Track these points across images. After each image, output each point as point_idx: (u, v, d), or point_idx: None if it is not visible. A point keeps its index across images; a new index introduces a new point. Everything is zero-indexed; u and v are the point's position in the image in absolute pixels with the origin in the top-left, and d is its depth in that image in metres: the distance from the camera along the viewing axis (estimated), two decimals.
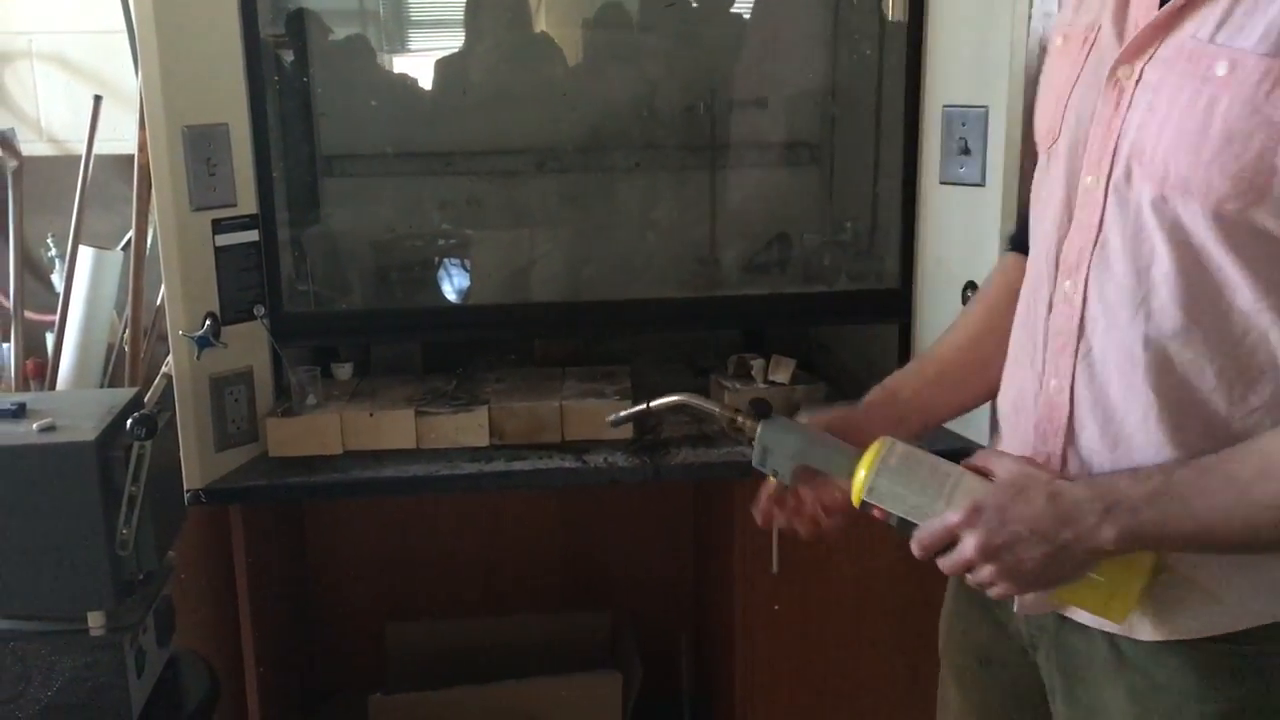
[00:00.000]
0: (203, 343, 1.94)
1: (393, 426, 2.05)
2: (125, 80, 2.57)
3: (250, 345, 2.05)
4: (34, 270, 2.57)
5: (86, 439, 1.54)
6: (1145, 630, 1.14)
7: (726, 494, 2.19)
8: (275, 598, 2.30)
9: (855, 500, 1.21)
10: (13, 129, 2.52)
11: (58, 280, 2.51)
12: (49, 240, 2.52)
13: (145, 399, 1.78)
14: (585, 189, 2.61)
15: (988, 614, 1.32)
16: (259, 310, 2.04)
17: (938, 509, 1.15)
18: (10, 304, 2.45)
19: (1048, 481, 1.11)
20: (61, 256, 2.50)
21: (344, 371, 2.22)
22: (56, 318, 2.35)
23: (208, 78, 1.93)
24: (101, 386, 2.38)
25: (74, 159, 2.62)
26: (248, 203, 2.01)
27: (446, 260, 2.45)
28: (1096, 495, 1.07)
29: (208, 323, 1.94)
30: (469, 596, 2.75)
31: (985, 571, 1.10)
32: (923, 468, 1.18)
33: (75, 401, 1.70)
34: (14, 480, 1.54)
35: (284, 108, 2.21)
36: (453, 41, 2.61)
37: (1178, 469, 1.06)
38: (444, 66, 2.59)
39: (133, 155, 2.49)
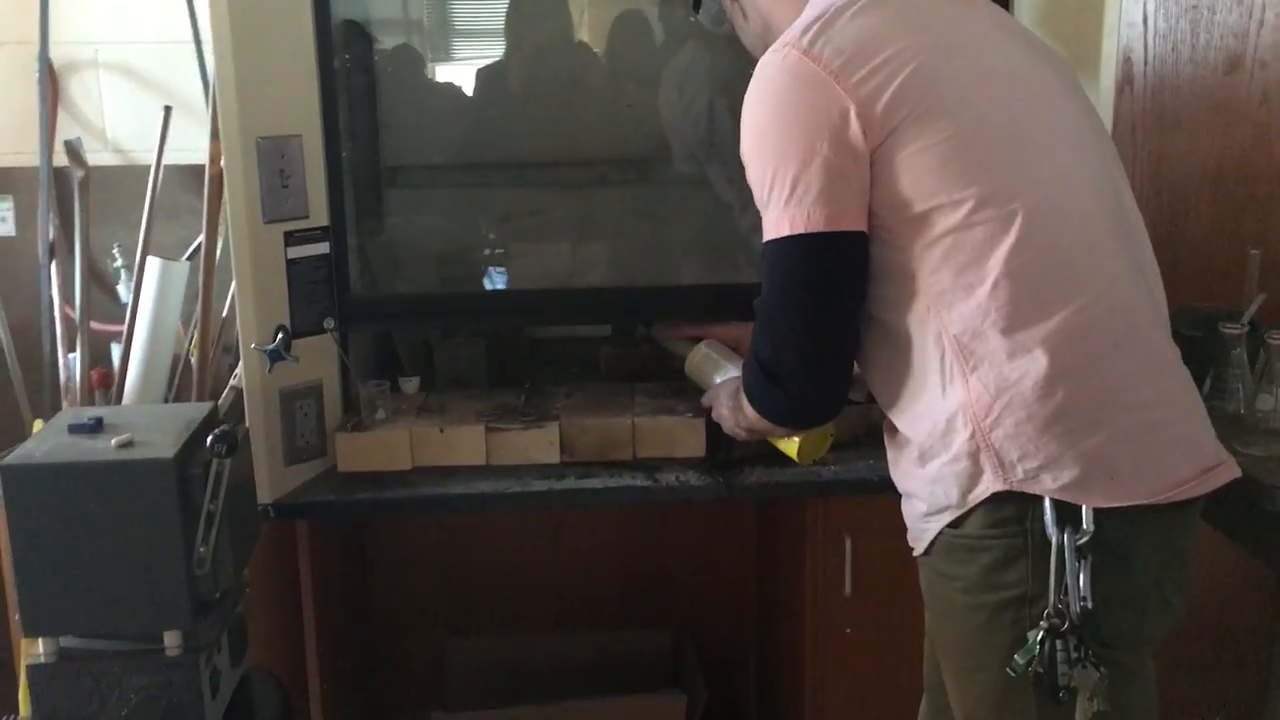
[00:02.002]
0: (275, 356, 1.91)
1: (463, 442, 2.02)
2: (190, 90, 2.57)
3: (319, 358, 2.03)
4: (98, 280, 2.57)
5: (165, 455, 1.52)
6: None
7: (798, 514, 2.15)
8: (338, 613, 2.27)
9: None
10: (79, 138, 2.51)
11: (123, 290, 2.51)
12: (115, 250, 2.51)
13: (221, 414, 1.75)
14: (650, 199, 2.57)
15: None
16: (329, 323, 2.01)
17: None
18: (76, 314, 2.44)
19: (735, 390, 1.73)
20: (128, 267, 2.49)
21: (411, 385, 2.19)
22: (124, 328, 2.33)
23: (281, 89, 1.92)
24: (167, 398, 2.37)
25: (139, 169, 2.61)
26: (319, 215, 1.99)
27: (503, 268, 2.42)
28: (736, 399, 1.71)
29: (280, 336, 1.92)
30: (529, 612, 2.72)
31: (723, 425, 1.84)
32: (708, 363, 2.03)
33: (152, 417, 1.68)
34: (92, 497, 1.52)
35: (350, 118, 2.18)
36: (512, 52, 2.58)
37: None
38: (503, 77, 2.56)
39: (198, 165, 2.49)
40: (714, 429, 2.00)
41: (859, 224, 1.46)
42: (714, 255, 2.40)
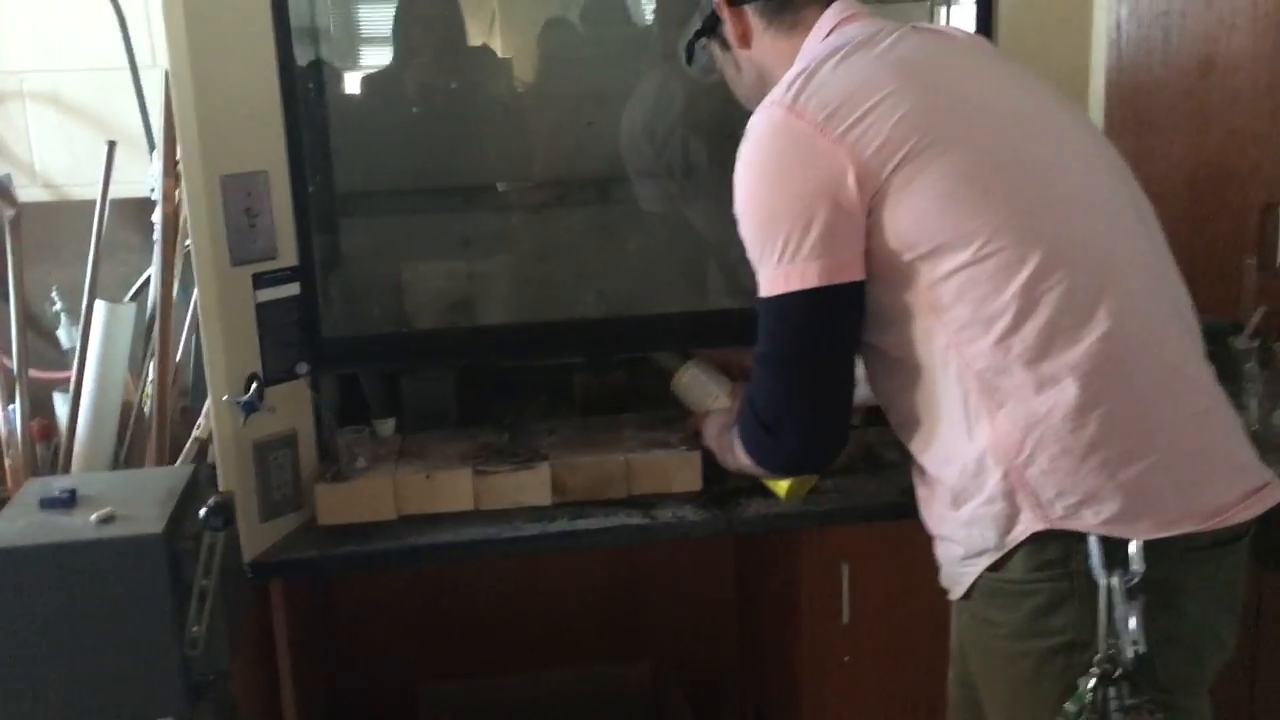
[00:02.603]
0: (249, 408, 1.80)
1: (450, 488, 1.93)
2: (125, 120, 2.43)
3: (292, 406, 1.91)
4: (34, 325, 2.41)
5: (153, 531, 1.40)
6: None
7: (792, 544, 2.09)
8: (311, 667, 2.16)
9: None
10: (9, 175, 2.36)
11: (64, 335, 2.36)
12: (53, 294, 2.36)
13: (199, 476, 1.63)
14: (611, 220, 2.49)
15: None
16: (302, 368, 1.90)
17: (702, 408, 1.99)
18: (13, 363, 2.28)
19: (726, 426, 1.77)
20: (68, 310, 2.34)
21: (386, 428, 2.08)
22: (67, 375, 2.19)
23: (244, 123, 1.80)
24: (118, 451, 2.23)
25: (72, 205, 2.48)
26: (288, 254, 1.88)
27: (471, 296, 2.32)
28: (726, 437, 1.75)
29: (254, 386, 1.80)
30: (503, 651, 2.62)
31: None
32: (696, 384, 2.02)
33: (128, 485, 1.56)
34: (74, 579, 1.40)
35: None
36: (469, 74, 2.48)
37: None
38: (457, 97, 2.46)
39: (136, 199, 2.36)
40: (709, 459, 1.95)
41: (856, 274, 1.44)
42: (696, 281, 2.32)
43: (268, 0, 1.80)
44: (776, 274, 1.44)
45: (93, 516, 1.43)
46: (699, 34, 1.73)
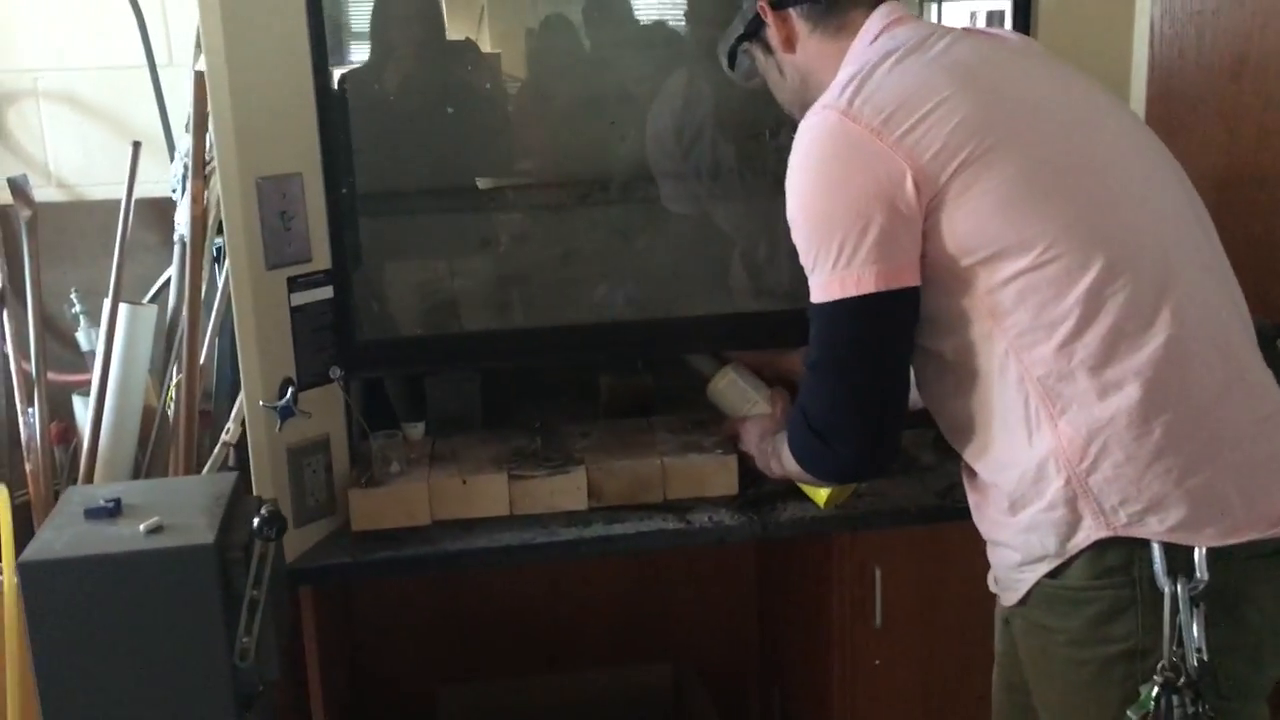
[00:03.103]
0: (285, 413, 1.77)
1: (485, 493, 1.90)
2: (141, 119, 2.40)
3: (326, 411, 1.89)
4: (50, 327, 2.38)
5: (205, 541, 1.38)
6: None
7: (823, 546, 2.08)
8: (335, 670, 2.13)
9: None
10: (24, 175, 2.32)
11: (83, 338, 2.32)
12: (73, 296, 2.32)
13: (241, 483, 1.61)
14: (637, 221, 2.46)
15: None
16: (335, 372, 1.88)
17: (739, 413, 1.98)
18: (32, 366, 2.25)
19: (767, 430, 1.86)
20: (87, 312, 2.31)
21: (416, 431, 2.06)
22: (87, 378, 2.16)
23: (280, 124, 1.77)
24: (139, 457, 2.19)
25: (87, 205, 2.44)
26: (321, 257, 1.85)
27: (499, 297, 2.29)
28: (768, 443, 1.82)
29: (290, 390, 1.78)
30: (523, 653, 2.60)
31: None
32: (734, 390, 2.00)
33: (173, 493, 1.53)
34: (123, 591, 1.38)
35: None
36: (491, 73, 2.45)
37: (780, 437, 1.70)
38: (483, 95, 2.43)
39: (154, 199, 2.33)
40: (745, 464, 1.94)
41: (912, 279, 1.42)
42: (724, 282, 2.30)
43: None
44: (831, 279, 1.42)
45: (141, 526, 1.40)
46: (741, 38, 1.71)
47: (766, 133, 2.36)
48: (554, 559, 1.91)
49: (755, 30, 1.67)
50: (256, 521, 1.37)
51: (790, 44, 1.63)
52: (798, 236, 1.47)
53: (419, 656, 2.56)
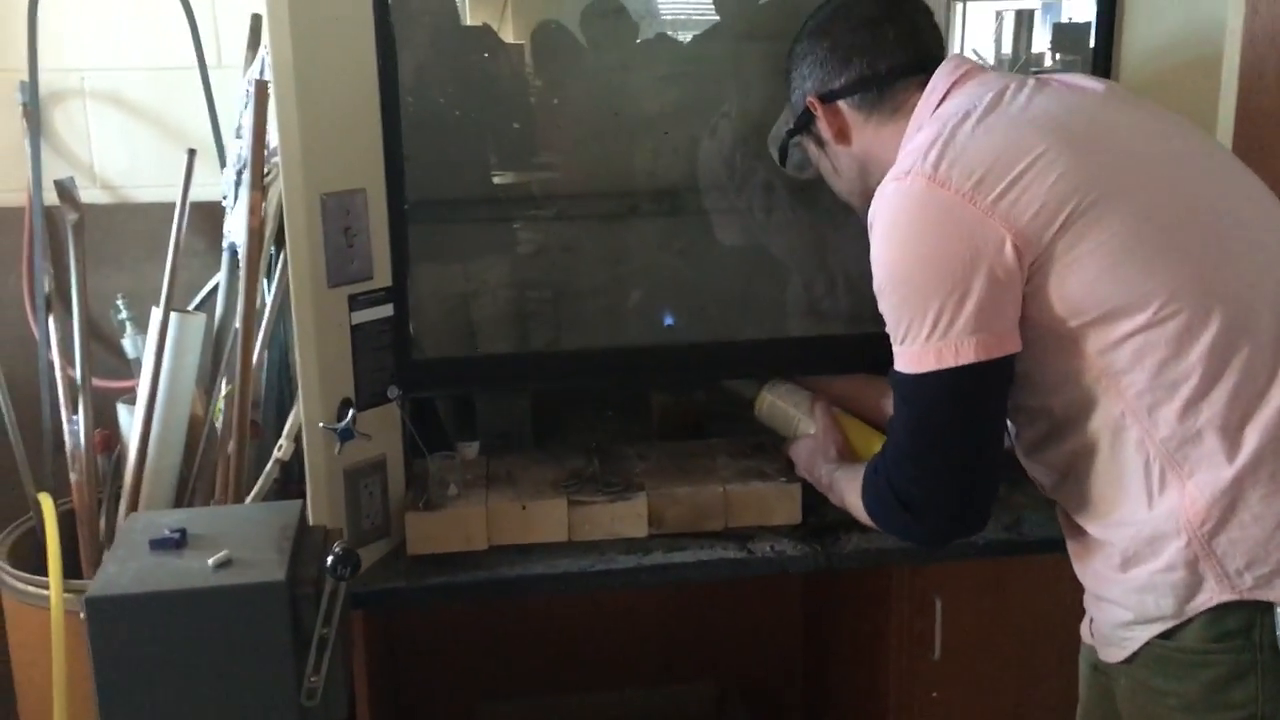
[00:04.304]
0: (345, 435, 1.73)
1: (544, 518, 1.86)
2: (189, 122, 2.35)
3: (382, 431, 1.85)
4: (96, 333, 2.34)
5: (277, 579, 1.34)
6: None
7: (882, 575, 2.03)
8: (380, 692, 2.09)
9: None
10: (71, 178, 2.27)
11: (129, 345, 2.28)
12: (119, 301, 2.28)
13: (306, 513, 1.56)
14: (688, 232, 2.41)
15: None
16: (393, 392, 1.83)
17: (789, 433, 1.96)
18: (76, 372, 2.21)
19: (815, 452, 1.84)
20: (133, 319, 2.26)
21: (471, 450, 2.02)
22: (142, 388, 2.11)
23: (345, 138, 1.73)
24: (184, 470, 2.15)
25: (132, 208, 2.40)
26: (383, 274, 1.81)
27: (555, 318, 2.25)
28: (822, 471, 1.80)
29: (351, 412, 1.73)
30: (563, 671, 2.56)
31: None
32: (776, 411, 1.99)
33: (237, 522, 1.49)
34: (190, 627, 1.33)
35: None
36: (541, 76, 2.39)
37: (839, 470, 1.75)
38: (532, 102, 2.37)
39: (202, 204, 2.28)
40: (808, 489, 1.90)
41: (1014, 346, 1.36)
42: (778, 307, 2.26)
43: (370, 10, 1.72)
44: (926, 350, 1.36)
45: (210, 561, 1.36)
46: (791, 132, 1.66)
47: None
48: (613, 587, 1.87)
49: (806, 124, 1.63)
50: (330, 560, 1.33)
51: (844, 136, 1.58)
52: (885, 306, 1.41)
53: (458, 672, 2.52)
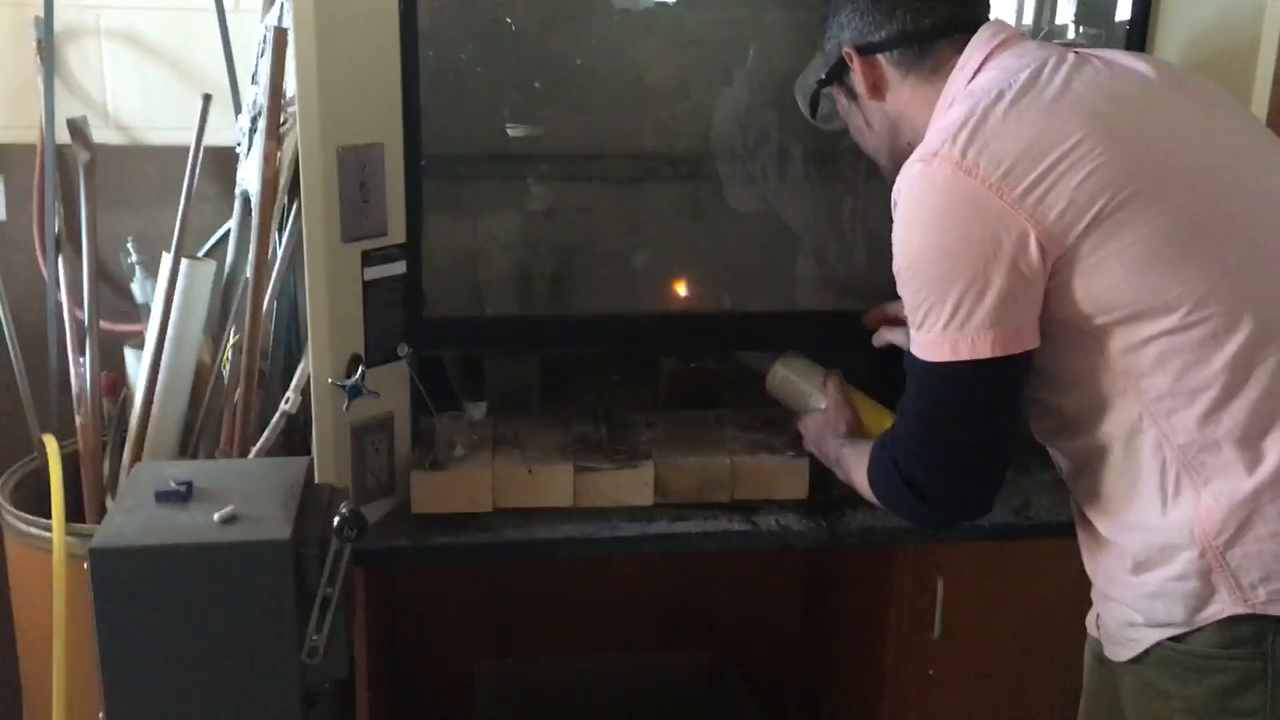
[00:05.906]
0: (354, 392, 1.72)
1: (550, 483, 1.85)
2: (203, 63, 2.32)
3: (390, 389, 1.83)
4: (104, 275, 2.32)
5: (282, 536, 1.33)
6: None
7: (886, 552, 2.03)
8: (378, 649, 2.10)
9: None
10: (84, 117, 2.25)
11: (137, 289, 2.26)
12: (129, 245, 2.26)
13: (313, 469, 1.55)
14: (704, 199, 2.39)
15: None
16: (403, 349, 1.82)
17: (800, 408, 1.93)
18: (84, 314, 2.20)
19: (825, 426, 1.81)
20: (143, 263, 2.25)
21: (479, 411, 2.00)
22: (150, 333, 2.10)
23: (363, 91, 1.70)
24: (190, 419, 2.14)
25: (144, 150, 2.38)
26: (397, 231, 1.78)
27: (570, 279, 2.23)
28: (830, 446, 1.77)
29: (360, 369, 1.72)
30: (561, 633, 2.56)
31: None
32: (788, 386, 1.95)
33: (244, 478, 1.48)
34: (195, 581, 1.33)
35: None
36: (559, 35, 2.35)
37: (847, 446, 1.71)
38: (550, 60, 2.34)
39: (215, 148, 2.26)
40: (816, 464, 1.89)
41: (1031, 342, 1.33)
42: (791, 278, 2.23)
43: None
44: (942, 340, 1.33)
45: (216, 516, 1.35)
46: (823, 82, 1.60)
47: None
48: (616, 555, 1.86)
49: (839, 74, 1.56)
50: (337, 521, 1.32)
51: (879, 90, 1.51)
52: (905, 290, 1.37)
53: (458, 632, 2.52)
